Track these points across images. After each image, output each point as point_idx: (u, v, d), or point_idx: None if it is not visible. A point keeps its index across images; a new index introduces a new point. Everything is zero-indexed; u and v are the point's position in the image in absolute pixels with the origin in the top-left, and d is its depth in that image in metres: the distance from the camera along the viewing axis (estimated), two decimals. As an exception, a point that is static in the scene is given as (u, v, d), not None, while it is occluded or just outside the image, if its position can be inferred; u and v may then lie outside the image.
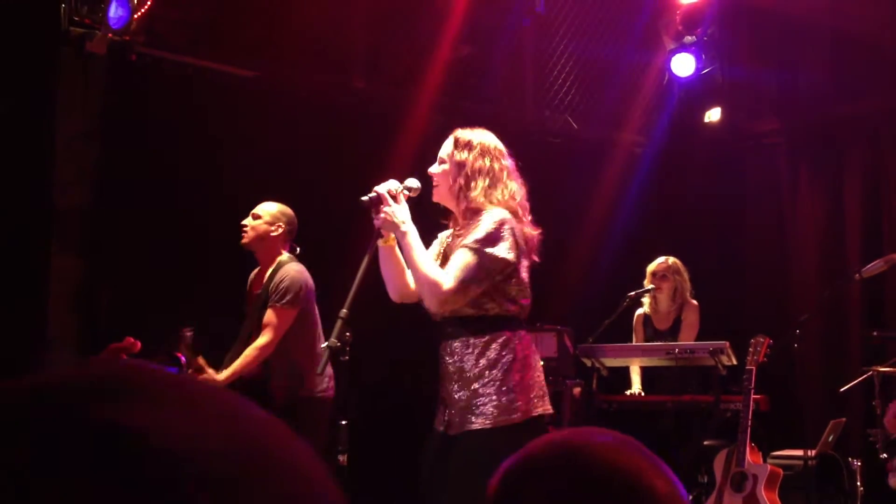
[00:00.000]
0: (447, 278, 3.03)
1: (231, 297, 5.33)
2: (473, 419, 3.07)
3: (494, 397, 3.06)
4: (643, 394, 5.85)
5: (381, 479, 4.90)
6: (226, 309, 5.28)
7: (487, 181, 3.19)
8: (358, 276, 3.12)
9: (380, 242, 3.21)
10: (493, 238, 3.06)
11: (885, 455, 5.05)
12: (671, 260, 6.00)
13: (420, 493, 3.22)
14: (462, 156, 3.21)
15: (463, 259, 3.05)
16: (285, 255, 4.56)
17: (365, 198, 3.18)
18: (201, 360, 4.27)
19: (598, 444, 1.02)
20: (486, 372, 3.08)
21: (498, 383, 3.07)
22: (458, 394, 3.12)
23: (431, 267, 3.09)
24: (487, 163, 3.21)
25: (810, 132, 7.16)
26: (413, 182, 3.29)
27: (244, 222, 4.57)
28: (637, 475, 0.99)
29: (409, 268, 3.17)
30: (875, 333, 5.72)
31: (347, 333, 3.18)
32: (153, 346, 5.08)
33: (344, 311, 3.05)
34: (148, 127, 5.20)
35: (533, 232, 3.26)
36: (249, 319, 4.54)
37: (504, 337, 3.11)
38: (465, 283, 3.03)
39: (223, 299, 5.30)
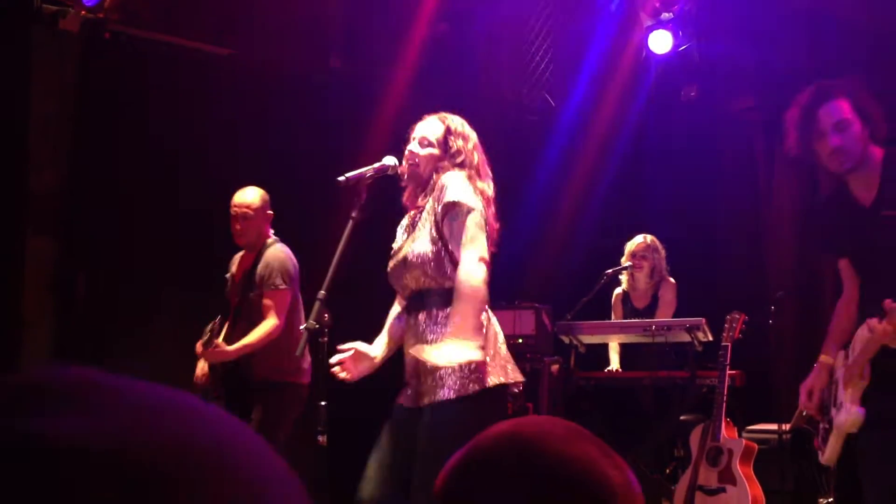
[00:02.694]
0: (473, 268, 3.06)
1: (208, 274, 5.31)
2: (438, 390, 3.10)
3: (457, 367, 3.08)
4: (620, 370, 5.90)
5: (360, 460, 4.91)
6: (203, 285, 5.28)
7: (476, 175, 3.25)
8: (335, 257, 3.13)
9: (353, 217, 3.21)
10: (465, 196, 3.12)
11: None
12: (649, 238, 6.03)
13: (373, 459, 3.24)
14: (457, 144, 3.25)
15: (468, 229, 3.09)
16: (271, 238, 4.57)
17: (342, 178, 3.18)
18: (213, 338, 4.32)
19: (548, 434, 1.00)
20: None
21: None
22: (424, 364, 3.14)
23: (467, 284, 3.06)
24: (476, 158, 3.28)
25: (787, 108, 7.18)
26: (390, 159, 3.29)
27: (234, 225, 4.53)
28: (590, 465, 0.98)
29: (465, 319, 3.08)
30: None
31: (326, 315, 3.18)
32: (130, 327, 5.08)
33: (322, 292, 3.05)
34: (123, 106, 5.15)
35: (494, 224, 3.28)
36: (239, 300, 4.53)
37: None
38: (484, 248, 3.10)
39: (200, 276, 5.29)
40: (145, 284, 5.15)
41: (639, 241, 6.01)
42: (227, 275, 4.69)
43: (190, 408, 0.49)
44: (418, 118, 3.40)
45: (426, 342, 3.14)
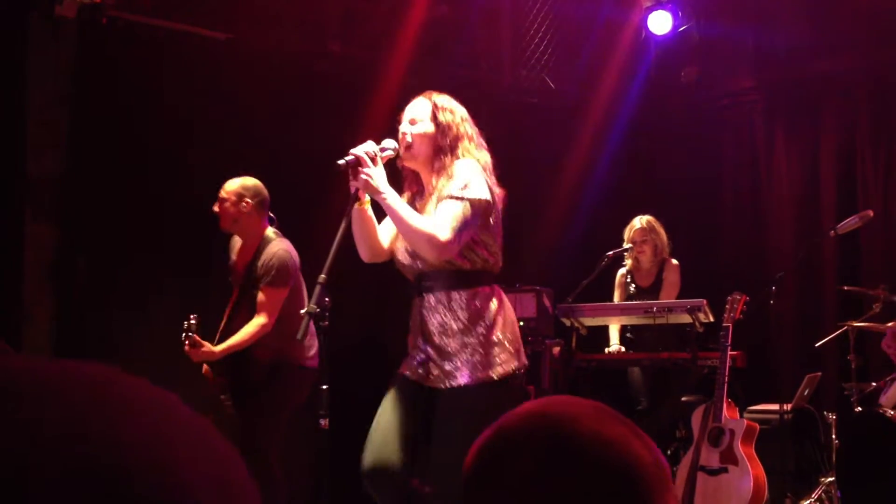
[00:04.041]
0: (442, 229, 3.09)
1: (207, 259, 5.31)
2: (460, 374, 3.14)
3: (481, 351, 3.15)
4: (623, 349, 5.90)
5: (361, 443, 4.92)
6: (202, 270, 5.27)
7: (471, 146, 3.27)
8: (336, 240, 3.12)
9: (356, 205, 3.22)
10: (471, 183, 3.14)
11: (859, 408, 5.13)
12: (645, 221, 6.02)
13: (378, 427, 3.26)
14: (446, 118, 3.27)
15: (451, 209, 3.11)
16: (270, 231, 4.48)
17: (342, 161, 3.17)
18: (196, 337, 4.25)
19: (579, 415, 0.99)
20: (472, 326, 3.17)
21: (482, 338, 3.16)
22: (442, 346, 3.18)
23: (423, 221, 3.13)
24: (468, 129, 3.30)
25: (787, 90, 7.17)
26: (390, 143, 3.28)
27: (214, 207, 4.50)
28: (621, 446, 0.97)
29: (397, 227, 3.18)
30: (845, 288, 5.78)
31: (326, 299, 3.18)
32: (130, 312, 5.08)
33: (322, 276, 3.05)
34: (120, 91, 5.13)
35: (498, 189, 3.32)
36: (239, 293, 4.51)
37: (486, 290, 3.23)
38: (459, 230, 3.10)
39: (199, 261, 5.29)
40: (144, 269, 5.14)
41: (635, 226, 6.01)
42: (230, 262, 4.68)
43: (130, 399, 0.46)
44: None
45: (448, 326, 3.17)
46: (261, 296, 4.35)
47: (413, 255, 3.25)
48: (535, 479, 0.97)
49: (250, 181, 4.48)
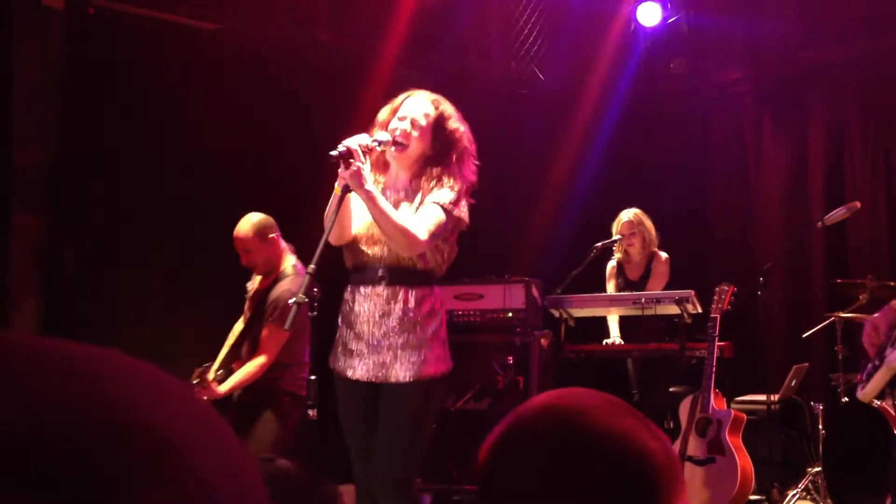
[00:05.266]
0: (420, 230, 3.19)
1: (195, 250, 5.30)
2: (417, 368, 3.22)
3: (432, 348, 3.25)
4: (622, 342, 5.89)
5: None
6: (189, 261, 5.26)
7: (463, 165, 3.34)
8: (326, 231, 3.12)
9: (335, 189, 3.21)
10: (459, 202, 3.27)
11: (846, 399, 5.16)
12: (632, 214, 6.01)
13: (352, 444, 3.32)
14: (450, 131, 3.32)
15: (436, 214, 3.22)
16: (289, 265, 4.40)
17: (334, 152, 3.16)
18: (206, 379, 4.20)
19: (591, 408, 1.00)
20: (424, 322, 3.25)
21: (431, 334, 3.26)
22: (390, 340, 3.23)
23: (403, 218, 3.21)
24: (467, 145, 3.37)
25: (775, 81, 7.18)
26: (383, 135, 3.28)
27: (243, 262, 4.41)
28: (632, 439, 0.98)
29: (377, 219, 3.21)
30: (838, 280, 5.81)
31: (315, 289, 3.18)
32: (118, 303, 5.06)
33: (311, 266, 3.05)
34: (107, 82, 5.11)
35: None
36: (248, 323, 4.43)
37: (436, 290, 3.35)
38: (435, 236, 3.22)
39: (187, 252, 5.28)
40: (133, 260, 5.13)
41: (623, 219, 6.00)
42: (248, 284, 4.60)
43: (119, 373, 0.43)
44: (405, 91, 3.41)
45: (400, 320, 3.23)
46: (264, 332, 4.27)
47: (379, 245, 3.29)
48: (549, 471, 0.98)
49: (257, 218, 4.38)
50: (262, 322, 4.31)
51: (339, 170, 3.17)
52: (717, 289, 5.19)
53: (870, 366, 3.26)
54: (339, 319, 3.38)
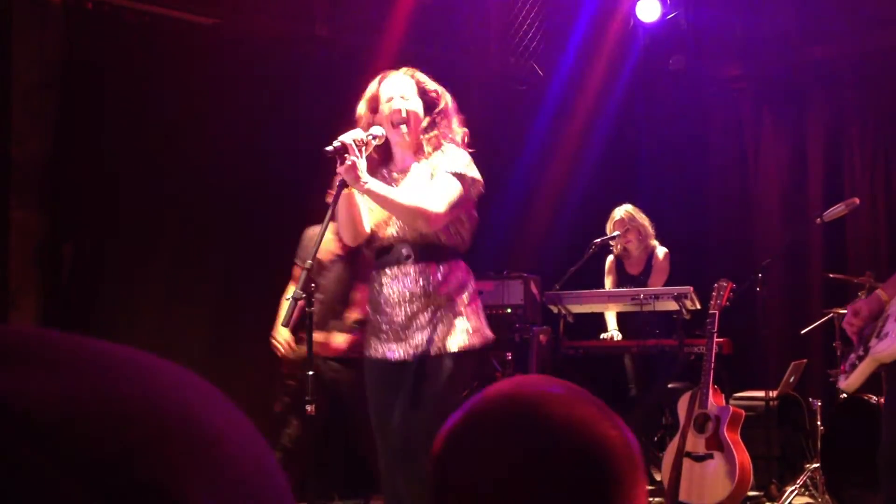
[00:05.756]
0: (434, 202, 3.17)
1: (194, 245, 5.29)
2: (445, 342, 3.20)
3: (462, 321, 3.23)
4: (620, 337, 5.90)
5: (346, 428, 4.93)
6: (189, 257, 5.25)
7: (454, 123, 3.36)
8: (322, 226, 3.12)
9: (343, 190, 3.21)
10: (470, 164, 3.26)
11: (844, 395, 5.16)
12: (625, 210, 6.01)
13: (369, 424, 3.30)
14: (432, 94, 3.34)
15: (449, 183, 3.20)
16: None
17: (330, 147, 3.16)
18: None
19: (548, 395, 0.99)
20: (454, 296, 3.24)
21: (462, 307, 3.25)
22: (421, 317, 3.22)
23: (412, 196, 3.19)
24: (450, 104, 3.39)
25: (774, 77, 7.18)
26: (378, 130, 3.27)
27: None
28: (589, 426, 0.97)
29: (386, 208, 3.22)
30: (831, 275, 5.81)
31: (312, 284, 3.17)
32: (117, 299, 5.05)
33: (309, 262, 3.05)
34: (106, 76, 5.09)
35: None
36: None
37: (463, 264, 3.33)
38: (452, 204, 3.19)
39: (186, 248, 5.27)
40: (131, 256, 5.12)
41: (615, 218, 6.00)
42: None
43: (157, 369, 0.44)
44: (375, 79, 3.42)
45: (428, 296, 3.21)
46: None
47: (399, 226, 3.28)
48: (506, 459, 0.96)
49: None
50: None
51: (337, 168, 3.17)
52: (715, 285, 5.19)
53: (853, 356, 3.24)
54: (368, 306, 3.39)
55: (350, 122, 3.34)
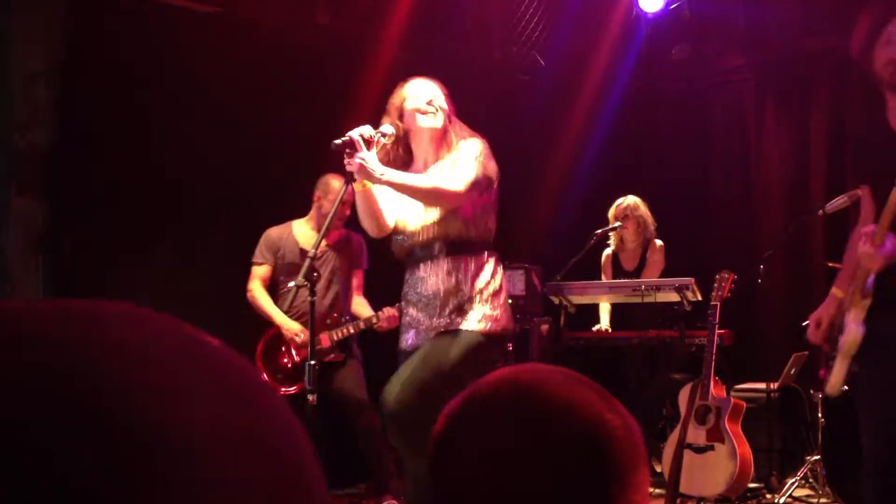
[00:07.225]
0: (455, 182, 3.28)
1: (196, 234, 5.28)
2: (463, 319, 3.28)
3: (487, 308, 3.32)
4: (610, 330, 5.91)
5: (349, 417, 4.92)
6: (190, 246, 5.25)
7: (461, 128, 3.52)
8: (328, 217, 3.14)
9: (354, 186, 3.26)
10: (486, 155, 3.39)
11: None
12: (628, 200, 6.01)
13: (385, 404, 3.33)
14: (448, 100, 3.49)
15: (468, 166, 3.32)
16: None
17: (338, 141, 3.19)
18: None
19: (550, 381, 1.00)
20: (482, 290, 3.33)
21: (491, 298, 3.35)
22: (447, 308, 3.30)
23: (431, 179, 3.31)
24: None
25: (777, 68, 7.16)
26: (388, 128, 3.31)
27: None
28: (587, 410, 0.97)
29: (409, 195, 3.31)
30: (830, 265, 5.79)
31: (315, 273, 3.18)
32: (118, 287, 5.05)
33: (312, 251, 3.07)
34: (107, 64, 5.08)
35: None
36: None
37: (493, 258, 3.43)
38: (471, 185, 3.30)
39: (187, 236, 5.26)
40: (133, 245, 5.12)
41: (618, 205, 6.01)
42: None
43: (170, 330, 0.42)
44: (407, 76, 3.45)
45: (458, 290, 3.29)
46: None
47: (425, 225, 3.37)
48: (504, 444, 0.97)
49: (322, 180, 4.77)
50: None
51: (345, 162, 3.23)
52: (717, 276, 5.18)
53: (830, 362, 3.24)
54: (402, 301, 3.48)
55: (352, 110, 3.35)
